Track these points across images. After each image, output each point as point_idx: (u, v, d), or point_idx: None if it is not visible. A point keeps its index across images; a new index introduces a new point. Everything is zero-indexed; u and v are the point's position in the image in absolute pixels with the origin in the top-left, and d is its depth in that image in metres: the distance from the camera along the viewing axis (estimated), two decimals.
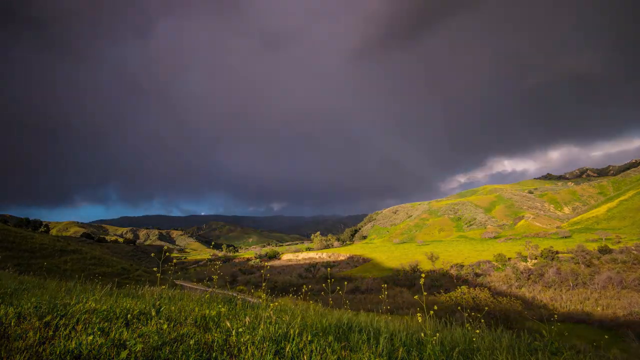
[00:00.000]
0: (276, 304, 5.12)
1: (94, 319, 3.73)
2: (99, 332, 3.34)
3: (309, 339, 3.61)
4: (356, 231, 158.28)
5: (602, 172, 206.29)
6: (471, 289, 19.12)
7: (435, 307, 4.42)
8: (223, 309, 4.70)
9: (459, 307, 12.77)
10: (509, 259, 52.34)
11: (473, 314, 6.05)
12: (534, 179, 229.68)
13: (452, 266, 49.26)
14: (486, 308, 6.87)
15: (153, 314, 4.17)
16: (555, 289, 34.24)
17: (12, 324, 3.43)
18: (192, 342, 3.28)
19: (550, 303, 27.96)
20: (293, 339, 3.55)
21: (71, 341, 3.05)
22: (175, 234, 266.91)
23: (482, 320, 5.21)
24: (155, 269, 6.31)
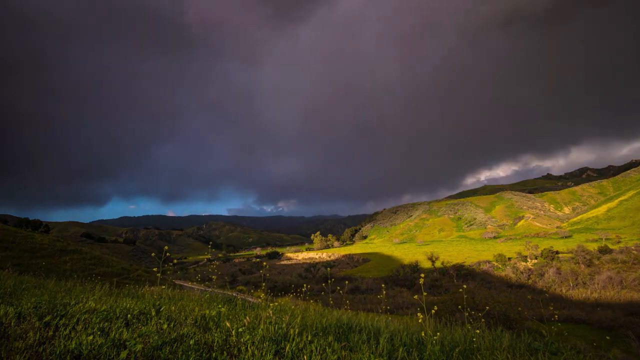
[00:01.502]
0: (276, 303, 5.12)
1: (94, 319, 3.73)
2: (99, 332, 3.34)
3: (309, 338, 3.61)
4: (356, 231, 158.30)
5: (602, 172, 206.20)
6: (471, 288, 19.10)
7: (436, 308, 4.42)
8: (223, 309, 4.70)
9: (459, 307, 12.76)
10: (509, 259, 52.35)
11: (473, 312, 6.05)
12: (535, 179, 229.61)
13: (452, 266, 49.26)
14: (487, 307, 6.85)
15: (153, 314, 4.17)
16: (555, 289, 34.24)
17: (12, 324, 3.43)
18: (192, 342, 3.27)
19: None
20: (293, 339, 3.55)
21: (71, 341, 3.04)
22: (175, 234, 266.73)
23: (483, 320, 5.21)
24: (155, 269, 6.31)
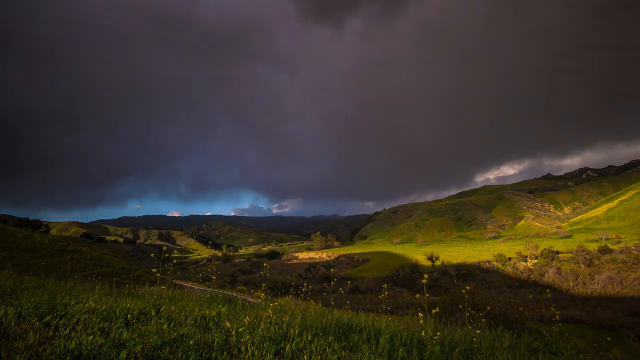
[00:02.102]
0: (276, 303, 5.11)
1: (94, 319, 3.73)
2: (99, 332, 3.34)
3: (309, 338, 3.61)
4: (356, 231, 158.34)
5: (602, 172, 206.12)
6: (471, 288, 19.04)
7: (437, 308, 4.42)
8: (223, 309, 4.70)
9: (460, 307, 12.76)
10: (509, 259, 52.36)
11: (474, 312, 6.05)
12: (535, 178, 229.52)
13: (452, 266, 49.25)
14: (488, 308, 6.86)
15: (153, 314, 4.17)
16: (558, 286, 34.24)
17: (12, 324, 3.42)
18: (192, 342, 3.27)
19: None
20: (293, 339, 3.55)
21: (71, 341, 3.04)
22: (175, 234, 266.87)
23: (483, 320, 5.21)
24: (154, 269, 6.32)
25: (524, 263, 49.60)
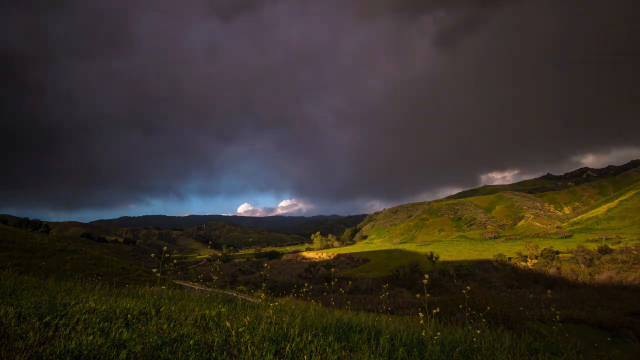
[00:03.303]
0: (276, 303, 5.11)
1: (94, 319, 3.72)
2: (99, 332, 3.33)
3: (309, 339, 3.61)
4: (356, 231, 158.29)
5: (602, 172, 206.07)
6: (471, 288, 18.97)
7: (437, 309, 4.41)
8: (223, 309, 4.69)
9: (460, 307, 12.75)
10: (509, 259, 52.38)
11: (474, 312, 6.04)
12: (535, 179, 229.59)
13: (452, 266, 49.23)
14: (488, 308, 6.87)
15: (153, 314, 4.16)
16: (555, 289, 34.21)
17: (12, 324, 3.42)
18: (192, 342, 3.27)
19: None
20: (293, 339, 3.54)
21: (71, 341, 3.04)
22: (175, 234, 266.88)
23: (483, 320, 5.20)
24: (154, 269, 6.31)
25: (524, 263, 49.61)
